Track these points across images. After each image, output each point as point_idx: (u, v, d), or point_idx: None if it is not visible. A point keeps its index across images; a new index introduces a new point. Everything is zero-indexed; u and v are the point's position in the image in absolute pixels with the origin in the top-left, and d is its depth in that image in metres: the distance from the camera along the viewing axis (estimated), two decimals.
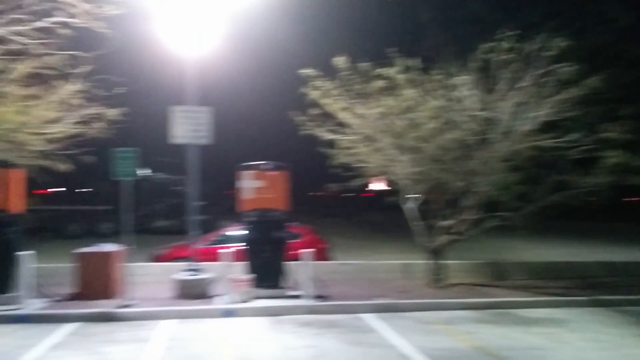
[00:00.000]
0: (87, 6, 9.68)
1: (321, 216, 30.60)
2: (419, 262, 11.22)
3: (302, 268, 9.38)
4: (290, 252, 9.83)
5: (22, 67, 9.97)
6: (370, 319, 8.54)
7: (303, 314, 8.78)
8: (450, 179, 10.53)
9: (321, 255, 12.22)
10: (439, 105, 10.36)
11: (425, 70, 10.34)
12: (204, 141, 10.16)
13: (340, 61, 10.37)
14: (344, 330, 7.91)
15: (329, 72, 10.61)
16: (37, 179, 10.50)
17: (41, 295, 9.12)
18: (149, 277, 10.61)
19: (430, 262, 10.87)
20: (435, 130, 10.31)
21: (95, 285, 9.36)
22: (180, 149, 10.50)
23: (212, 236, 12.64)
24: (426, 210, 10.93)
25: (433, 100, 10.36)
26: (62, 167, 10.52)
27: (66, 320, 8.17)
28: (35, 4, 9.51)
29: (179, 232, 11.19)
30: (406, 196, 11.01)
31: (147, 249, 13.25)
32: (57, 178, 11.71)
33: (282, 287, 9.59)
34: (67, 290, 9.54)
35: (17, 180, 9.37)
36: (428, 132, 10.32)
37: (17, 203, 9.26)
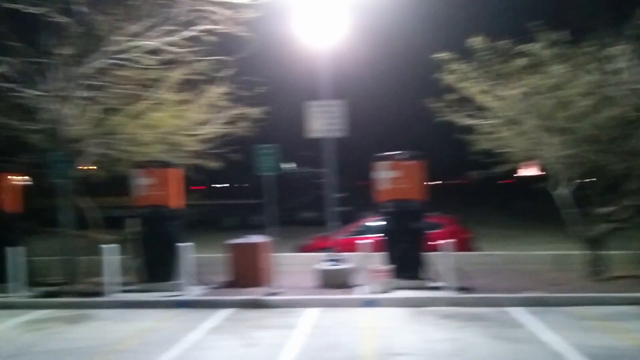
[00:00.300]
0: (228, 12, 10.35)
1: (465, 205, 29.52)
2: (574, 252, 10.31)
3: (443, 259, 9.14)
4: (431, 243, 9.63)
5: (175, 75, 10.93)
6: (518, 312, 8.05)
7: (445, 306, 8.55)
8: (608, 161, 9.53)
9: (464, 246, 11.81)
10: (593, 80, 9.41)
11: (574, 43, 9.44)
12: (339, 134, 10.33)
13: (476, 41, 9.87)
14: (489, 324, 7.55)
15: (465, 54, 10.16)
16: (193, 176, 11.48)
17: (199, 282, 9.97)
18: (293, 266, 11.08)
19: (588, 252, 9.94)
20: (589, 108, 9.40)
21: (245, 274, 10.01)
22: (319, 142, 10.79)
23: (353, 227, 12.83)
24: (581, 197, 10.00)
25: (585, 75, 9.43)
26: (213, 165, 11.39)
27: (221, 306, 8.85)
28: (182, 15, 10.37)
29: (324, 223, 11.62)
30: (557, 182, 10.18)
31: (294, 239, 13.87)
32: (217, 175, 12.70)
33: (422, 278, 9.43)
34: (222, 278, 10.31)
35: (175, 178, 10.32)
36: (580, 110, 9.45)
37: (176, 199, 10.22)
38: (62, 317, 8.56)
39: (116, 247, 9.64)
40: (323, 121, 10.32)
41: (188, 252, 9.45)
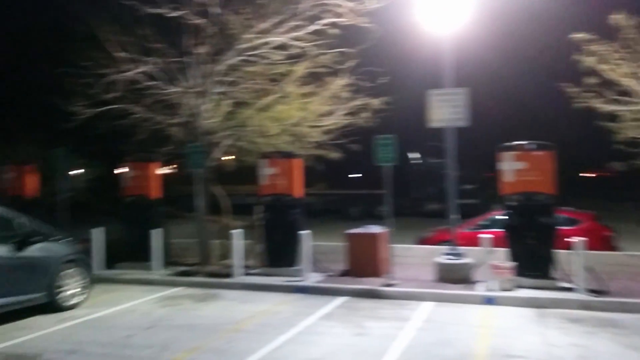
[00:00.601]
0: (351, 4, 10.46)
1: (607, 200, 26.68)
2: None
3: (575, 258, 8.43)
4: (563, 240, 8.93)
5: (301, 69, 11.29)
6: None
7: (573, 309, 7.90)
8: None
9: (603, 245, 10.80)
10: None
11: None
12: (461, 123, 9.94)
13: (619, 19, 8.92)
14: (623, 331, 6.83)
15: (606, 33, 9.25)
16: (315, 167, 11.83)
17: (318, 270, 10.25)
18: (412, 258, 10.99)
19: None
20: None
21: (362, 263, 10.09)
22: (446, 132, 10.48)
23: (478, 220, 12.31)
24: None
25: None
26: (334, 155, 11.61)
27: (337, 294, 9.03)
28: (308, 10, 10.67)
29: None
30: None
31: (417, 231, 13.68)
32: (347, 165, 12.88)
33: (549, 278, 8.79)
34: (339, 266, 10.50)
35: (298, 168, 10.69)
36: None
37: (299, 189, 10.58)
38: (193, 295, 9.33)
39: (243, 232, 10.26)
40: (445, 110, 9.99)
41: (308, 239, 9.76)
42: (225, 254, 10.98)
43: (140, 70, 10.69)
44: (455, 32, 10.02)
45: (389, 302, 8.63)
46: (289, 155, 10.72)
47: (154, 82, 10.97)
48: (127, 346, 6.58)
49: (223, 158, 12.15)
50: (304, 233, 9.76)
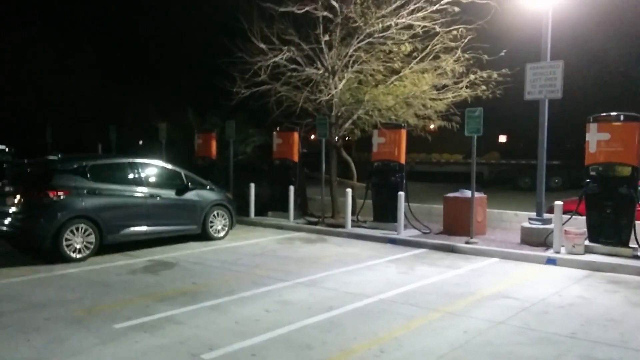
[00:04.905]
0: None
1: None
2: None
3: None
4: None
5: (426, 47, 12.52)
6: None
7: (631, 274, 8.17)
8: None
9: None
10: None
11: None
12: (556, 96, 10.22)
13: None
14: None
15: None
16: (423, 136, 13.09)
17: (419, 227, 11.65)
18: (516, 224, 11.61)
19: None
20: None
21: (454, 224, 11.22)
22: None
23: None
24: None
25: None
26: (438, 126, 12.77)
27: (419, 246, 10.44)
28: None
29: None
30: None
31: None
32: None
33: (625, 246, 8.93)
34: (438, 226, 11.75)
35: (405, 138, 12.07)
36: None
37: (403, 156, 12.01)
38: (307, 238, 11.62)
39: (358, 191, 12.13)
40: (540, 83, 10.38)
41: (402, 199, 11.21)
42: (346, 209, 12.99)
43: (280, 57, 13.10)
44: (555, 6, 10.33)
45: (458, 255, 9.76)
46: (394, 127, 12.18)
47: (292, 66, 13.31)
48: (234, 264, 9.13)
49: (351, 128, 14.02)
50: (400, 194, 11.25)
